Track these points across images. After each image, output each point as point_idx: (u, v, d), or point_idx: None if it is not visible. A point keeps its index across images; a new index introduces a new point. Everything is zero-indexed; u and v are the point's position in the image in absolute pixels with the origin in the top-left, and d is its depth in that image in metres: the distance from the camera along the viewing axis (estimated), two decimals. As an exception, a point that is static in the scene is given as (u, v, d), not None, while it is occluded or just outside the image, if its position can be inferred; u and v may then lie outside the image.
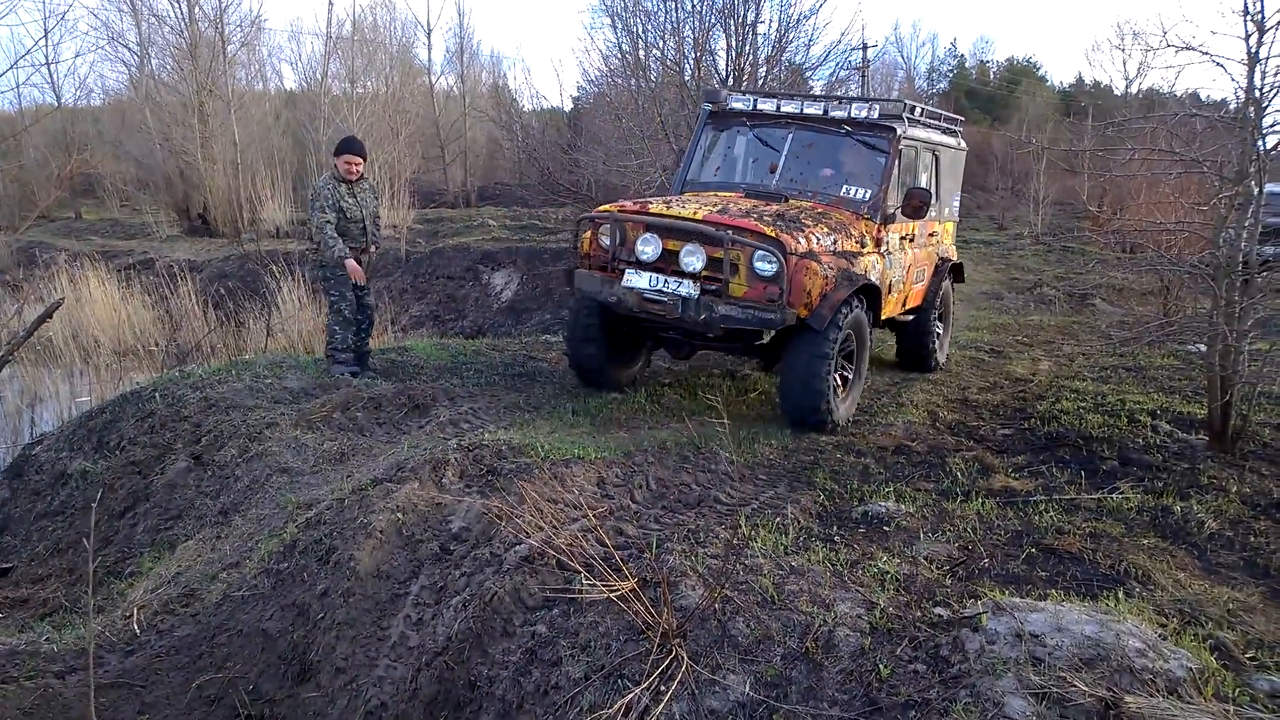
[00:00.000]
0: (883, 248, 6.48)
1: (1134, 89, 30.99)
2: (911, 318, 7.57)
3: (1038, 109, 32.18)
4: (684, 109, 13.98)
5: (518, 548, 3.72)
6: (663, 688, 2.92)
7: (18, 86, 25.41)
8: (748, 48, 14.62)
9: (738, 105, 7.06)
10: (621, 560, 3.46)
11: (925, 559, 3.80)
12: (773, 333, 6.02)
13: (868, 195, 6.48)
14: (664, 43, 15.59)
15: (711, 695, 2.89)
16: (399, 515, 4.10)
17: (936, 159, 7.38)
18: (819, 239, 5.80)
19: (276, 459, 5.39)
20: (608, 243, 6.09)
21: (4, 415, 10.17)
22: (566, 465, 4.67)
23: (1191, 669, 2.72)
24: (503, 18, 60.05)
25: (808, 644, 3.02)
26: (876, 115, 6.54)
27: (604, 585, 3.31)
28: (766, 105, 6.93)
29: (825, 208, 6.38)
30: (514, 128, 24.29)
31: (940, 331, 7.99)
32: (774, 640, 3.06)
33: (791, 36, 14.71)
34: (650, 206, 6.14)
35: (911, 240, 7.04)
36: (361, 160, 6.89)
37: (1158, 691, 2.59)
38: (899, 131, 6.49)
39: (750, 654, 3.02)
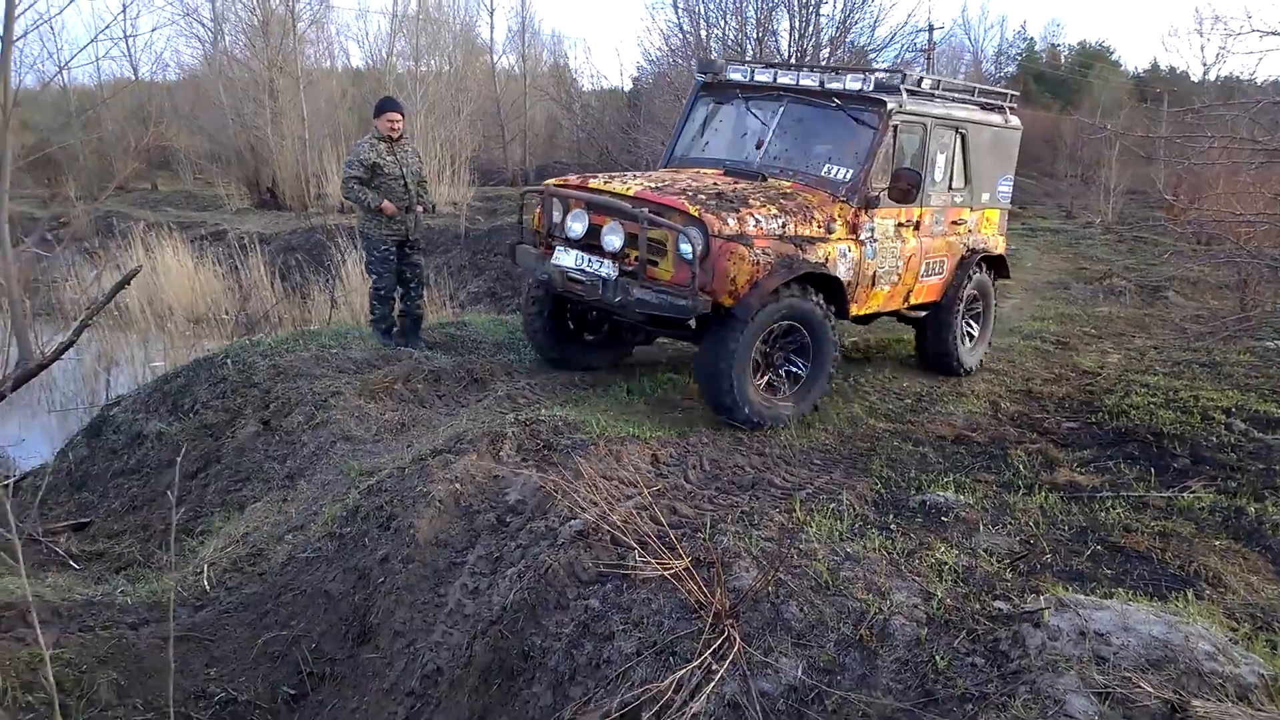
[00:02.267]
0: (862, 234, 5.92)
1: (1212, 75, 29.93)
2: (924, 314, 7.04)
3: (1110, 94, 31.21)
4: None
5: (572, 522, 3.76)
6: (714, 667, 2.92)
7: (97, 60, 26.21)
8: (811, 28, 14.45)
9: (735, 76, 6.56)
10: (675, 539, 3.46)
11: (985, 551, 3.74)
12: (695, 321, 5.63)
13: (848, 176, 5.91)
14: (725, 22, 15.50)
15: (763, 677, 2.89)
16: (457, 486, 4.16)
17: (963, 137, 6.69)
18: (760, 221, 5.35)
19: (340, 427, 5.50)
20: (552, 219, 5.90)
21: (82, 377, 10.56)
22: (621, 443, 4.69)
23: (1264, 675, 2.64)
24: (565, -3, 59.88)
25: (862, 631, 3.00)
26: (871, 87, 5.94)
27: (658, 563, 3.32)
28: (765, 76, 6.41)
29: (798, 188, 5.88)
30: (574, 107, 24.35)
31: (972, 331, 7.36)
32: (828, 626, 3.04)
33: (857, 17, 14.53)
34: (590, 181, 5.85)
35: (916, 228, 6.41)
36: (401, 117, 6.96)
37: (1227, 697, 2.52)
38: (889, 106, 5.89)
39: (803, 638, 3.01)
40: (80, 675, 3.40)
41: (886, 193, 5.85)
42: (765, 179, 6.00)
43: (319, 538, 4.28)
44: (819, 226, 5.67)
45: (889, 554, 3.58)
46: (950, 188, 6.72)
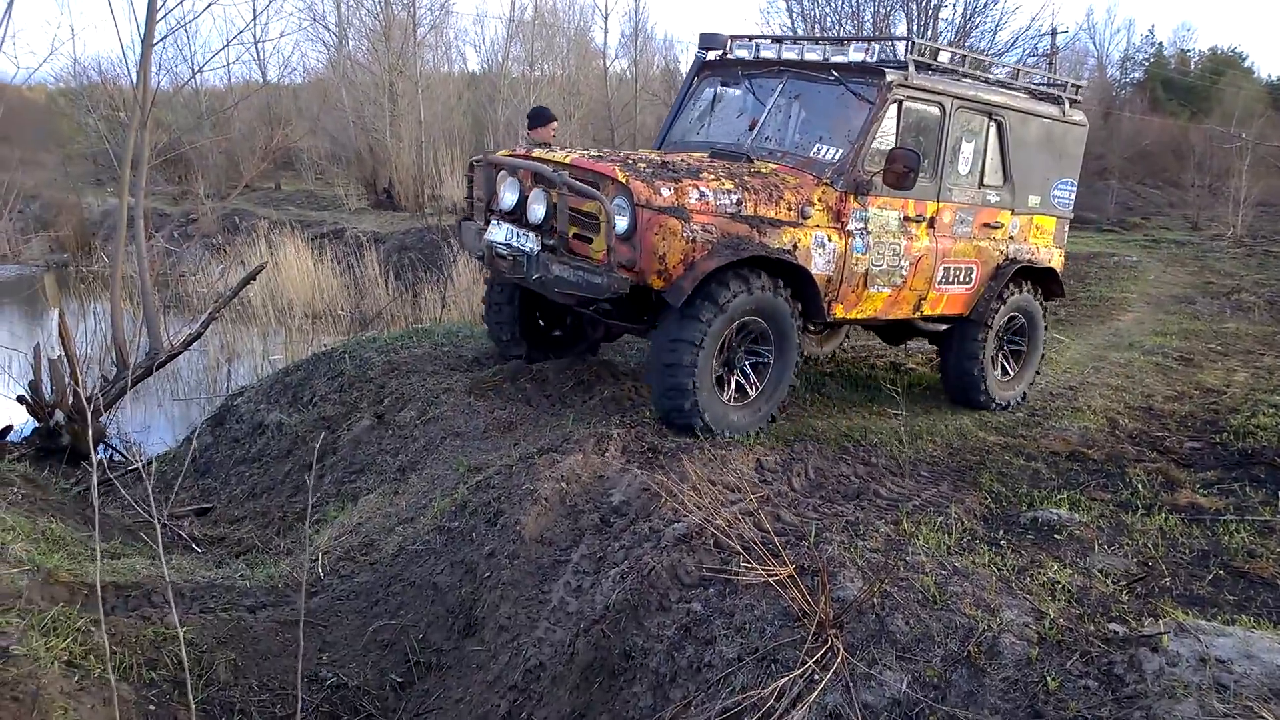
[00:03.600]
0: (850, 224, 5.25)
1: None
2: (944, 328, 6.27)
3: (1243, 103, 29.59)
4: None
5: (676, 525, 3.79)
6: (817, 676, 2.92)
7: (228, 64, 27.45)
8: (929, 33, 14.15)
9: (740, 53, 5.93)
10: (779, 546, 3.47)
11: (1100, 572, 3.64)
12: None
13: (836, 156, 5.25)
14: (840, 27, 15.29)
15: (867, 689, 2.87)
16: (563, 485, 4.24)
17: (999, 126, 5.91)
18: (706, 195, 4.75)
19: (450, 423, 5.66)
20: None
21: (204, 368, 11.12)
22: (726, 448, 4.71)
23: (1403, 715, 2.50)
24: (678, 1, 60.12)
25: (970, 648, 2.94)
26: (874, 58, 5.31)
27: (761, 569, 3.33)
28: (770, 52, 5.80)
29: (783, 169, 5.29)
30: (684, 110, 24.32)
31: (1017, 356, 6.50)
32: (934, 640, 3.00)
33: (977, 21, 14.16)
34: (535, 150, 5.42)
35: (931, 225, 5.66)
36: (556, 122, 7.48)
37: (1362, 735, 2.40)
38: (889, 78, 5.21)
39: (909, 652, 2.97)
40: (200, 655, 3.56)
41: (881, 176, 5.19)
42: (752, 161, 5.37)
43: (428, 530, 4.41)
44: (789, 209, 5.04)
45: (999, 570, 3.51)
46: (982, 184, 5.94)
